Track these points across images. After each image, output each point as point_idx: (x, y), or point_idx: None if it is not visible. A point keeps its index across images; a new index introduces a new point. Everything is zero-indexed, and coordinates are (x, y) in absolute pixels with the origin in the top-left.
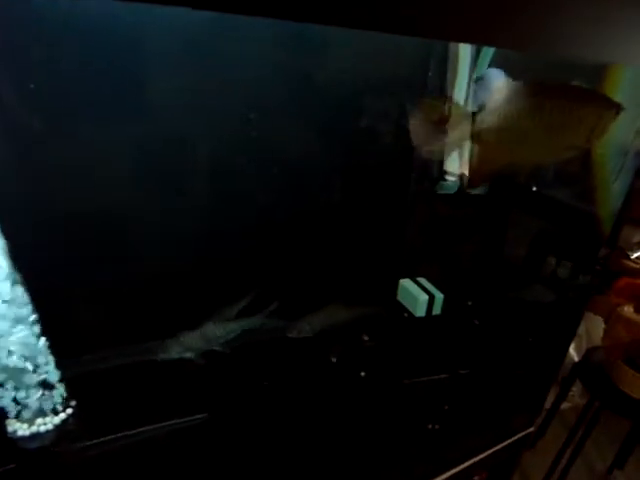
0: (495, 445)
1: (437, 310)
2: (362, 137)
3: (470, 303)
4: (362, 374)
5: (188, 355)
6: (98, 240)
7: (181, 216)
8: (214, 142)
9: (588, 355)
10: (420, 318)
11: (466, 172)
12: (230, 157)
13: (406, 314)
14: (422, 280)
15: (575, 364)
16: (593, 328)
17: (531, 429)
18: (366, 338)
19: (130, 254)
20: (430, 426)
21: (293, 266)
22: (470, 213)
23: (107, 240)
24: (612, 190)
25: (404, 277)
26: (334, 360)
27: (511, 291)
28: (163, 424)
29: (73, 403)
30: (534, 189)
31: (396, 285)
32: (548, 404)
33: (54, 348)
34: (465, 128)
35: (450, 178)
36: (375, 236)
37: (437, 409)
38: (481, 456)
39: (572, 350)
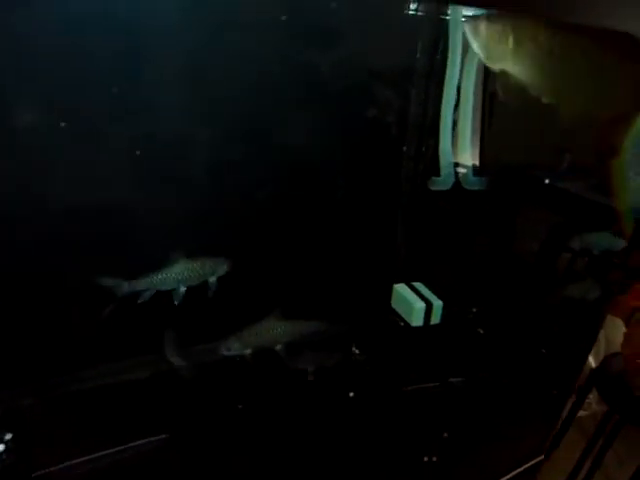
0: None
1: (436, 319)
2: (344, 126)
3: (474, 310)
4: (351, 395)
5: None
6: None
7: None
8: None
9: (606, 362)
10: (417, 328)
11: (464, 161)
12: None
13: (402, 323)
14: (419, 285)
15: (592, 371)
16: (613, 332)
17: (540, 457)
18: (356, 351)
19: None
20: (427, 458)
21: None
22: (470, 210)
23: None
24: (631, 184)
25: (398, 282)
26: (314, 377)
27: (520, 295)
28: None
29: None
30: (547, 181)
31: (389, 290)
32: (564, 412)
33: None
34: None
35: (444, 171)
36: (361, 237)
37: (435, 437)
38: None
39: (589, 355)
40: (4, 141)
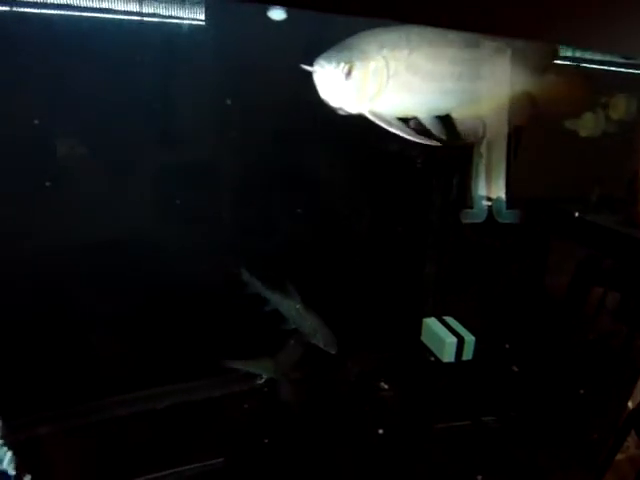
0: None
1: (468, 354)
2: (373, 161)
3: (507, 346)
4: (380, 432)
5: None
6: None
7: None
8: None
9: None
10: (448, 364)
11: (498, 194)
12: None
13: (432, 358)
14: (450, 319)
15: (630, 412)
16: None
17: None
18: (385, 386)
19: None
20: None
21: None
22: (503, 243)
23: None
24: None
25: (428, 315)
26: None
27: (555, 331)
28: None
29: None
30: (576, 215)
31: (419, 324)
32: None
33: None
34: None
35: (477, 204)
36: (390, 269)
37: None
38: None
39: None
40: None
